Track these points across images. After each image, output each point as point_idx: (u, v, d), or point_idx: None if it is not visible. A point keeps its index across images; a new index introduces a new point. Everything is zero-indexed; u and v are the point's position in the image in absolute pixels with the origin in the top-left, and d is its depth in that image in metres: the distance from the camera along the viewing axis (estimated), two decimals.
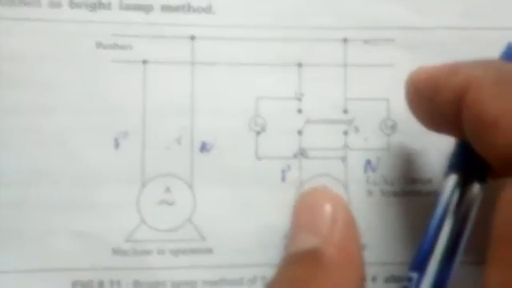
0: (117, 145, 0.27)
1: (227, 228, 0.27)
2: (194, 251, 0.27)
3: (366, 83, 0.29)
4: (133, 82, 0.28)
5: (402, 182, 0.28)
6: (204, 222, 0.27)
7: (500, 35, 0.28)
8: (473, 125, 0.21)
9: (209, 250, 0.27)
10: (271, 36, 0.28)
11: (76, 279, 0.26)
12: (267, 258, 0.27)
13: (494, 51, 0.25)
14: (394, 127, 0.28)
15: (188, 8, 0.28)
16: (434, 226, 0.22)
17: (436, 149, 0.28)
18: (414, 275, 0.22)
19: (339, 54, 0.29)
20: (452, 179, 0.23)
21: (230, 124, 0.28)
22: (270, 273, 0.27)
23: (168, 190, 0.27)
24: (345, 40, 0.29)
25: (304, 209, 0.22)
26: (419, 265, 0.22)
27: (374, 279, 0.27)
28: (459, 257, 0.22)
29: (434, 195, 0.26)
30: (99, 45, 0.28)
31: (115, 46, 0.28)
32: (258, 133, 0.28)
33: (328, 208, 0.21)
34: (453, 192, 0.23)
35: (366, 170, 0.28)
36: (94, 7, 0.28)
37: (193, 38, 0.28)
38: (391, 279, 0.27)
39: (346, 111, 0.28)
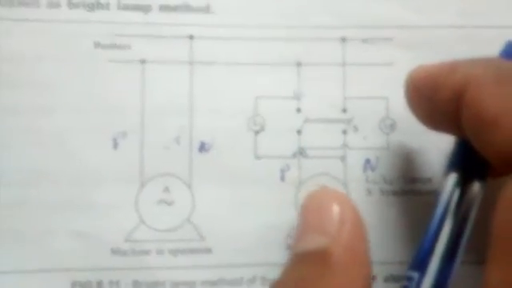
0: (115, 145, 0.27)
1: (226, 228, 0.27)
2: (193, 251, 0.27)
3: (364, 82, 0.29)
4: (131, 82, 0.28)
5: (401, 181, 0.28)
6: (203, 221, 0.27)
7: (498, 33, 0.28)
8: (472, 123, 0.21)
9: (208, 250, 0.27)
10: (270, 35, 0.28)
11: (75, 279, 0.26)
12: (266, 257, 0.27)
13: (493, 49, 0.25)
14: (393, 126, 0.28)
15: (186, 8, 0.28)
16: (434, 225, 0.22)
17: (435, 148, 0.28)
18: (415, 275, 0.21)
19: (338, 53, 0.29)
20: (452, 178, 0.23)
21: (229, 123, 0.28)
22: (269, 272, 0.27)
23: (167, 189, 0.27)
24: (343, 39, 0.29)
25: (312, 209, 0.22)
26: (420, 264, 0.22)
27: (373, 278, 0.27)
28: (460, 256, 0.22)
29: (434, 194, 0.26)
30: (98, 45, 0.28)
31: (114, 46, 0.28)
32: (257, 132, 0.28)
33: (336, 208, 0.21)
34: (453, 191, 0.23)
35: (365, 169, 0.28)
36: (92, 7, 0.28)
37: (191, 37, 0.28)
38: (390, 278, 0.27)
39: (344, 110, 0.28)
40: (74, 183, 0.27)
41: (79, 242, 0.27)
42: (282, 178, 0.28)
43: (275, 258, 0.27)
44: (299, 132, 0.28)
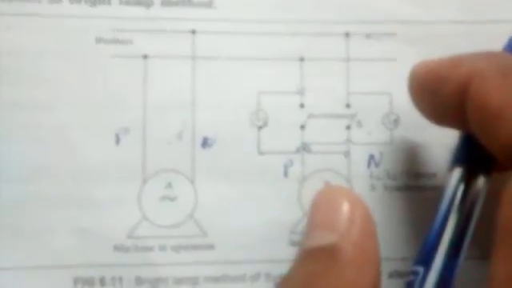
0: (118, 140, 0.27)
1: (229, 224, 0.27)
2: (195, 247, 0.27)
3: (368, 77, 0.29)
4: (133, 77, 0.28)
5: (405, 177, 0.28)
6: (206, 217, 0.27)
7: (501, 28, 0.28)
8: (477, 116, 0.21)
9: (211, 246, 0.27)
10: (273, 30, 0.28)
11: (77, 276, 0.26)
12: (270, 253, 0.27)
13: (496, 44, 0.25)
14: (396, 121, 0.28)
15: (188, 2, 0.28)
16: (439, 220, 0.22)
17: (439, 143, 0.28)
18: (420, 269, 0.21)
19: (341, 49, 0.29)
20: (457, 172, 0.23)
21: (232, 119, 0.28)
22: (272, 269, 0.27)
23: (169, 185, 0.27)
24: (347, 34, 0.29)
25: (321, 206, 0.22)
26: (425, 259, 0.22)
27: None
28: (464, 251, 0.22)
29: (438, 189, 0.26)
30: (99, 40, 0.28)
31: (115, 41, 0.28)
32: (260, 128, 0.28)
33: (346, 206, 0.21)
34: (457, 185, 0.23)
35: (369, 165, 0.28)
36: (94, 2, 0.28)
37: (193, 32, 0.28)
38: (395, 274, 0.27)
39: (348, 105, 0.28)
40: (77, 179, 0.27)
41: (81, 238, 0.27)
42: (286, 174, 0.28)
43: (278, 254, 0.27)
44: (302, 127, 0.28)
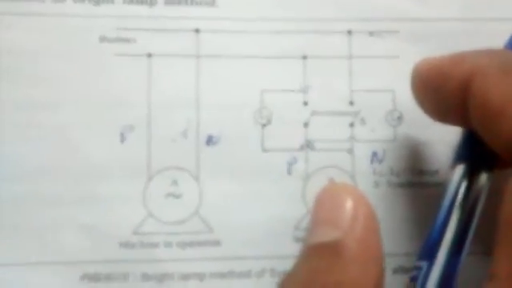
0: (123, 138, 0.27)
1: (234, 220, 0.27)
2: (201, 243, 0.27)
3: (371, 75, 0.29)
4: (137, 76, 0.28)
5: (408, 173, 0.28)
6: (211, 214, 0.27)
7: (503, 26, 0.28)
8: (479, 113, 0.21)
9: (216, 242, 0.27)
10: (276, 29, 0.29)
11: (84, 272, 0.27)
12: (274, 249, 0.27)
13: (498, 42, 0.25)
14: (400, 118, 0.28)
15: (192, 1, 0.28)
16: (442, 216, 0.22)
17: (442, 139, 0.28)
18: (424, 264, 0.22)
19: (344, 46, 0.29)
20: (459, 169, 0.23)
21: (236, 117, 0.28)
22: (277, 265, 0.27)
23: (175, 182, 0.27)
24: (349, 32, 0.29)
25: (325, 203, 0.22)
26: (428, 254, 0.22)
27: None
28: (467, 246, 0.22)
29: (441, 186, 0.26)
30: (103, 39, 0.28)
31: (119, 40, 0.28)
32: (264, 125, 0.28)
33: (349, 202, 0.21)
34: (460, 182, 0.23)
35: (372, 162, 0.28)
36: (97, 1, 0.28)
37: (197, 31, 0.28)
38: (399, 270, 0.27)
39: (351, 103, 0.28)
40: (83, 177, 0.27)
41: (88, 235, 0.27)
42: (289, 171, 0.28)
43: (283, 251, 0.27)
44: (306, 125, 0.28)
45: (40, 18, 0.28)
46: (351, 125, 0.28)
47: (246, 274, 0.27)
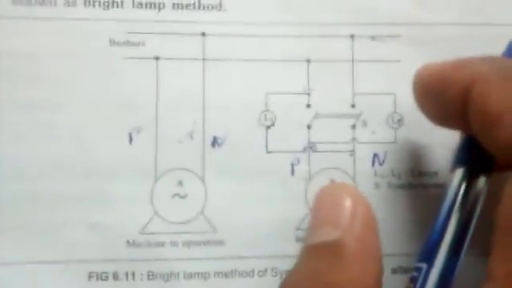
0: (131, 140, 0.28)
1: (238, 220, 0.28)
2: (206, 243, 0.27)
3: (373, 78, 0.29)
4: (145, 78, 0.28)
5: (408, 175, 0.28)
6: (216, 214, 0.28)
7: (504, 31, 0.28)
8: (478, 119, 0.22)
9: (220, 242, 0.27)
10: (280, 33, 0.29)
11: (91, 271, 0.27)
12: (277, 249, 0.27)
13: (499, 47, 0.26)
14: (400, 121, 0.29)
15: (199, 5, 0.29)
16: (441, 218, 0.23)
17: (442, 142, 0.28)
18: (423, 266, 0.22)
19: (347, 50, 0.29)
20: (459, 173, 0.23)
21: (241, 119, 0.28)
22: (280, 264, 0.27)
23: (180, 183, 0.28)
24: (352, 36, 0.29)
25: (324, 203, 0.22)
26: (428, 256, 0.22)
27: None
28: (466, 248, 0.22)
29: (440, 187, 0.26)
30: (112, 42, 0.28)
31: (128, 43, 0.28)
32: (268, 127, 0.28)
33: (348, 202, 0.21)
34: (459, 185, 0.23)
35: (373, 164, 0.28)
36: (107, 5, 0.28)
37: (204, 34, 0.28)
38: (398, 270, 0.28)
39: (353, 106, 0.29)
40: (91, 177, 0.27)
41: (95, 234, 0.27)
42: (293, 172, 0.28)
43: (285, 250, 0.27)
44: (309, 127, 0.28)
45: (51, 23, 0.28)
46: (353, 127, 0.29)
47: (249, 274, 0.27)
